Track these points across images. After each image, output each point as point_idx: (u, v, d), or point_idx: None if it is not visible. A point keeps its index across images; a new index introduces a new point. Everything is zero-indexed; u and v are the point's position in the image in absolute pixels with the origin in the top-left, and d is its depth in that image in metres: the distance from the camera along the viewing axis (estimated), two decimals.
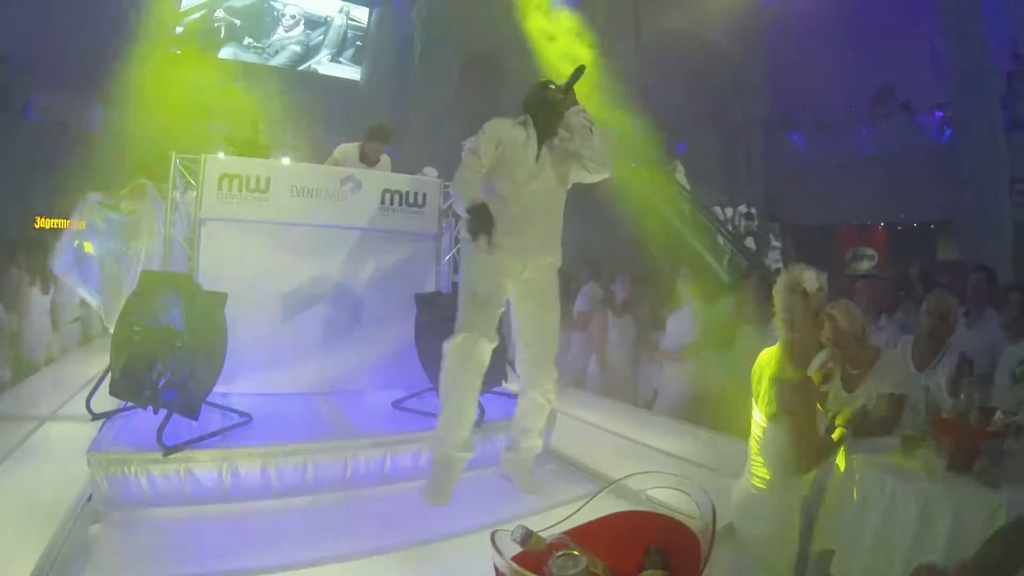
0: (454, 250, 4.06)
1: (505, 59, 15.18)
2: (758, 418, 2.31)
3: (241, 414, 3.03)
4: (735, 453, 3.04)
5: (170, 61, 15.25)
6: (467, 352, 2.58)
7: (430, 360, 2.99)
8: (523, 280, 2.75)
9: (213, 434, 2.78)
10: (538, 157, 2.77)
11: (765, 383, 2.26)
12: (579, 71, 2.80)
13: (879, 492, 2.12)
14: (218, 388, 3.05)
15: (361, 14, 17.68)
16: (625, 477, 1.86)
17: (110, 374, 2.99)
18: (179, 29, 15.66)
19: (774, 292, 2.29)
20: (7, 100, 12.45)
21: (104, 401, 3.11)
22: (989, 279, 4.15)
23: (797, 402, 2.17)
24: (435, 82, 14.41)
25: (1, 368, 5.20)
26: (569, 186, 2.89)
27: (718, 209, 11.67)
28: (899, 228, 13.87)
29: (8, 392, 4.50)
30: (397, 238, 3.98)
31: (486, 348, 2.64)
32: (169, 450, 2.54)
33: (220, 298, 2.94)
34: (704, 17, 14.06)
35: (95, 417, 3.05)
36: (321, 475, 2.74)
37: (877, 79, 14.33)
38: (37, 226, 12.05)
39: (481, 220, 2.52)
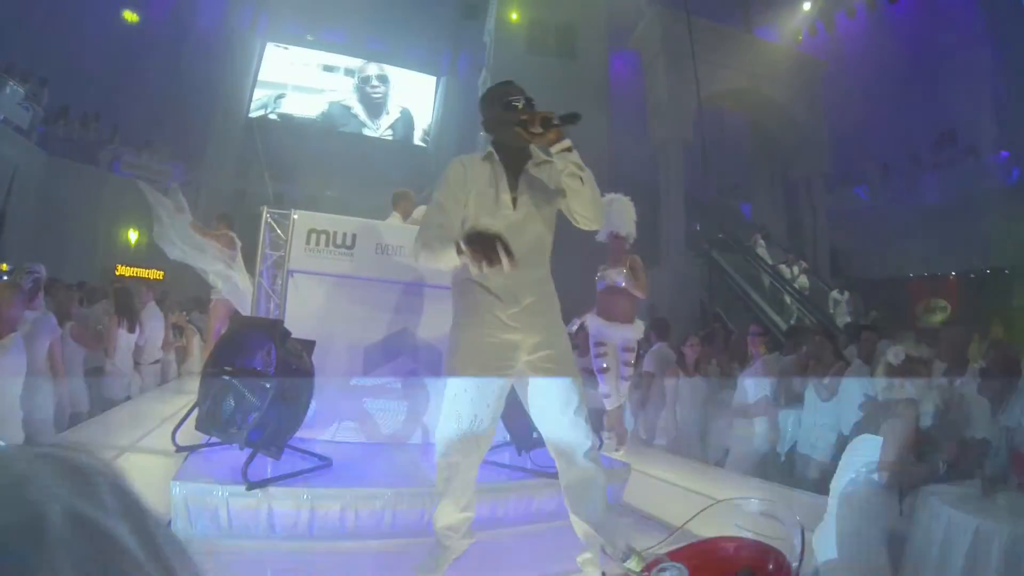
0: None
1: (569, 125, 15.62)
2: None
3: (322, 458, 3.12)
4: (810, 508, 2.96)
5: (248, 125, 16.64)
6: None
7: (506, 415, 3.03)
8: (524, 365, 2.23)
9: (295, 474, 2.87)
10: (515, 199, 2.25)
11: None
12: (574, 117, 2.07)
13: (963, 532, 2.09)
14: (300, 434, 3.16)
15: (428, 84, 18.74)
16: (719, 501, 1.87)
17: (197, 410, 3.15)
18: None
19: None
20: (96, 156, 13.44)
21: (187, 436, 3.24)
22: None
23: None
24: None
25: (80, 402, 5.42)
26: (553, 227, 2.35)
27: (784, 267, 11.47)
28: (972, 276, 13.23)
29: (87, 422, 4.58)
30: None
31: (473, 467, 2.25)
32: (252, 485, 2.63)
33: (308, 345, 3.09)
34: (760, 73, 14.24)
35: (179, 449, 3.17)
36: (399, 521, 2.78)
37: (938, 124, 14.07)
38: (118, 273, 12.98)
39: (478, 243, 1.90)
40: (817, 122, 14.80)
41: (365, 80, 18.49)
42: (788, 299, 11.28)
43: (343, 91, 18.18)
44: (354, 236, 3.78)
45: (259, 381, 2.90)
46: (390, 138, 18.51)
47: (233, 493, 2.61)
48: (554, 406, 2.20)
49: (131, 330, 6.14)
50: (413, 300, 3.92)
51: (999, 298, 12.25)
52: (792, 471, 4.43)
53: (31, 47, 12.10)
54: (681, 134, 13.48)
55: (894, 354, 2.47)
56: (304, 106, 17.85)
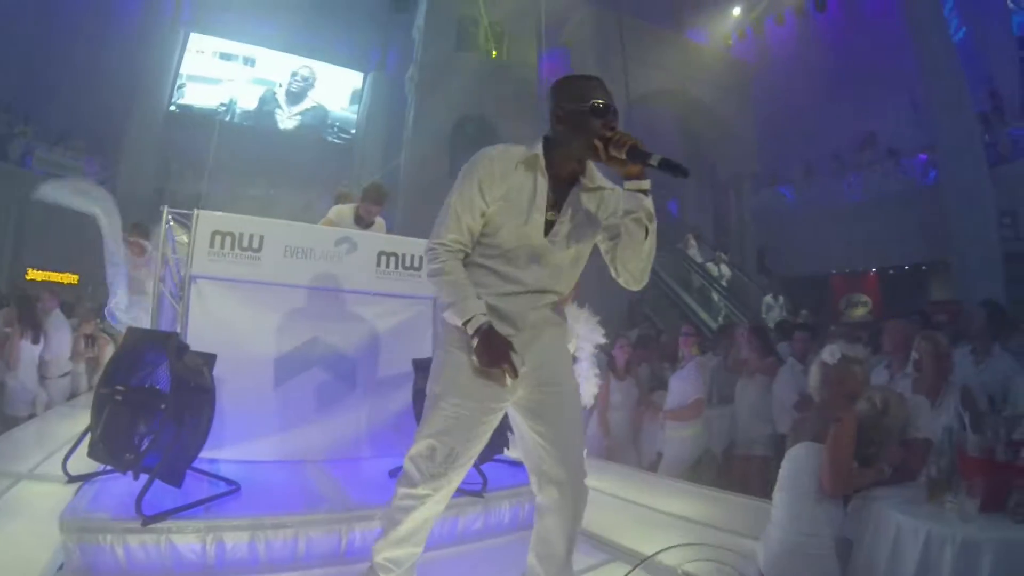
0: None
1: (497, 123, 15.61)
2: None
3: (228, 482, 2.86)
4: (749, 512, 2.92)
5: (167, 120, 15.71)
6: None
7: None
8: (522, 399, 1.95)
9: (197, 503, 2.60)
10: (551, 222, 1.86)
11: None
12: (678, 169, 1.62)
13: (912, 538, 2.06)
14: (205, 454, 2.88)
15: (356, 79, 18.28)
16: (660, 551, 1.74)
17: (89, 435, 2.83)
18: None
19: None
20: (6, 150, 12.46)
21: (82, 463, 2.92)
22: (993, 314, 4.14)
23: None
24: (428, 145, 14.62)
25: None
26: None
27: (711, 265, 11.72)
28: (891, 272, 13.98)
29: None
30: (393, 301, 3.83)
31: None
32: (149, 519, 2.36)
33: (209, 358, 2.81)
34: (690, 75, 14.54)
35: (71, 479, 2.86)
36: (313, 549, 2.56)
37: (861, 127, 14.81)
38: (28, 278, 12.05)
39: (487, 347, 1.77)
40: (745, 123, 15.29)
41: (294, 73, 17.93)
42: (716, 297, 11.53)
43: (241, 81, 17.36)
44: (261, 238, 3.48)
45: (153, 401, 2.62)
46: (295, 128, 17.86)
47: (128, 529, 2.34)
48: (561, 440, 1.93)
49: (35, 341, 5.68)
50: (326, 306, 3.66)
51: (918, 293, 13.02)
52: (729, 471, 4.45)
53: None
54: None
55: (829, 352, 2.42)
56: (203, 97, 16.84)
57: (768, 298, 9.97)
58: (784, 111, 15.69)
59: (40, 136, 13.22)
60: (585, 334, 3.77)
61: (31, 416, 5.59)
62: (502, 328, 1.83)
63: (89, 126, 14.03)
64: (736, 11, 16.55)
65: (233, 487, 2.83)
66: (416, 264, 3.89)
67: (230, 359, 3.10)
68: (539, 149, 1.84)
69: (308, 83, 18.01)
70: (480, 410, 1.87)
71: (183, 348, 2.67)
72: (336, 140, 18.28)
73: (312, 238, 3.66)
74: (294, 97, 17.90)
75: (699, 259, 12.49)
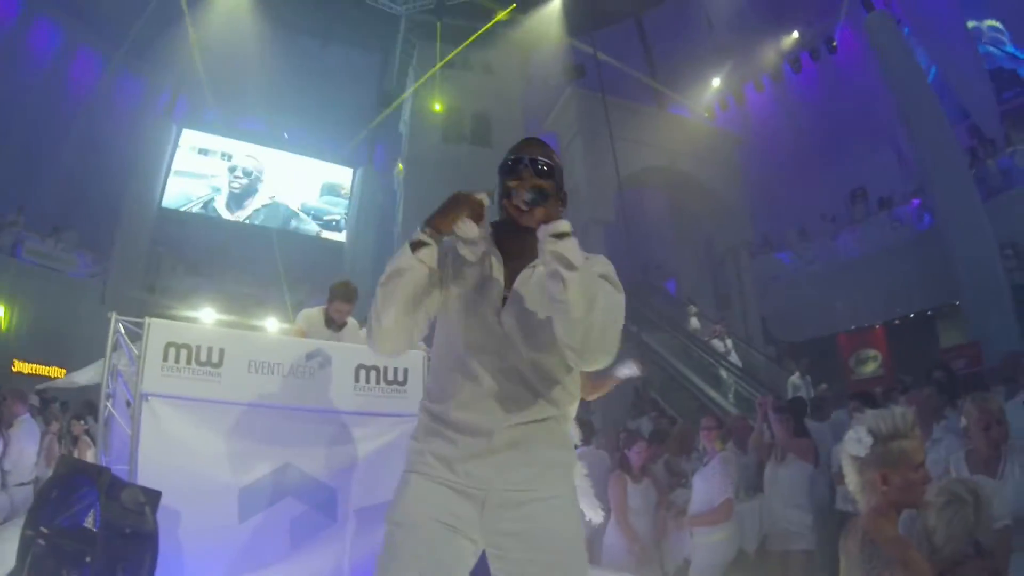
0: None
1: (488, 211, 15.67)
2: None
3: None
4: None
5: (159, 215, 15.73)
6: None
7: None
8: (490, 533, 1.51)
9: None
10: (504, 300, 1.56)
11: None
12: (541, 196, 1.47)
13: None
14: None
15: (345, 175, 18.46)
16: None
17: None
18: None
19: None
20: None
21: None
22: None
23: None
24: None
25: None
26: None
27: (717, 341, 11.37)
28: (897, 323, 13.62)
29: None
30: (375, 421, 3.41)
31: None
32: None
33: (151, 497, 2.38)
34: (677, 149, 14.62)
35: None
36: None
37: (849, 183, 14.89)
38: (15, 369, 11.61)
39: (439, 210, 1.55)
40: (736, 193, 15.18)
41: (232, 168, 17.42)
42: (725, 374, 11.08)
43: (220, 176, 17.13)
44: (222, 351, 3.11)
45: (81, 548, 2.19)
46: (247, 222, 17.41)
47: None
48: None
49: None
50: (298, 428, 3.23)
51: (928, 340, 12.62)
52: (766, 570, 3.91)
53: None
54: (602, 215, 13.46)
55: (856, 440, 1.76)
56: (186, 190, 16.74)
57: (794, 378, 9.02)
58: (773, 176, 15.76)
59: (32, 226, 13.05)
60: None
61: None
62: (459, 447, 1.50)
63: (81, 219, 13.99)
64: (715, 82, 16.94)
65: None
66: (401, 378, 3.51)
67: (187, 489, 2.72)
68: (491, 223, 1.61)
69: (254, 177, 17.52)
70: (434, 533, 1.45)
71: (119, 485, 2.25)
72: (335, 238, 18.05)
73: (280, 351, 3.31)
74: (237, 199, 17.28)
75: (702, 333, 12.14)
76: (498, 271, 1.57)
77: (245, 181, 17.34)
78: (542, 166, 1.54)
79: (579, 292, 1.35)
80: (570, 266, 1.36)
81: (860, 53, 13.95)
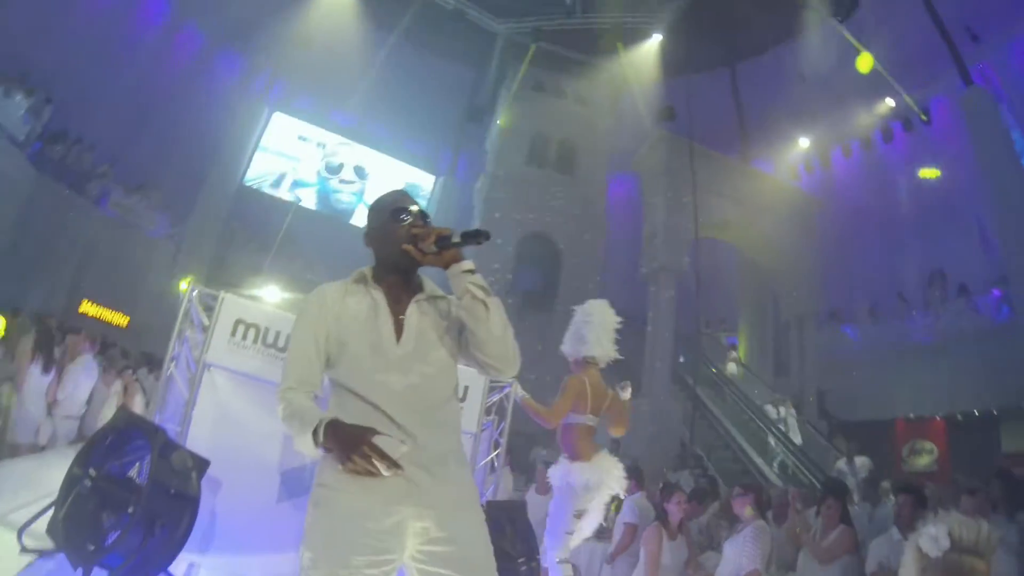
0: (494, 453, 3.62)
1: (560, 241, 15.71)
2: None
3: None
4: None
5: (239, 191, 16.50)
6: None
7: None
8: (410, 558, 1.62)
9: None
10: (400, 332, 1.74)
11: None
12: (479, 235, 1.71)
13: None
14: (184, 557, 2.50)
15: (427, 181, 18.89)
16: None
17: (54, 509, 2.51)
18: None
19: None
20: (86, 186, 13.03)
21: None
22: None
23: None
24: (492, 259, 14.63)
25: None
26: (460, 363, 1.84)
27: (770, 407, 10.98)
28: (959, 418, 12.81)
29: None
30: None
31: None
32: None
33: (199, 464, 2.47)
34: (756, 206, 14.22)
35: (24, 550, 2.53)
36: None
37: (928, 264, 14.11)
38: (81, 310, 12.30)
39: (343, 441, 1.55)
40: (810, 258, 14.57)
41: (336, 169, 18.30)
42: (773, 441, 10.68)
43: (313, 162, 17.97)
44: (288, 337, 3.23)
45: (124, 496, 2.30)
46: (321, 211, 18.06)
47: None
48: None
49: (46, 371, 5.56)
50: None
51: (988, 442, 11.80)
52: None
53: (47, 65, 11.83)
54: (675, 262, 13.09)
55: (931, 539, 1.69)
56: (269, 167, 17.54)
57: (841, 463, 8.37)
58: (850, 247, 15.18)
59: (119, 180, 13.69)
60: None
61: (33, 446, 5.46)
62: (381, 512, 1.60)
63: (166, 182, 14.69)
64: (803, 142, 16.45)
65: None
66: (460, 395, 3.57)
67: (232, 462, 2.80)
68: (365, 270, 1.85)
69: (362, 175, 18.40)
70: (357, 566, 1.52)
71: (171, 446, 2.36)
72: None
73: None
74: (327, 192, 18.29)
75: (738, 375, 11.74)
76: (384, 303, 1.78)
77: (352, 181, 18.21)
78: (428, 216, 1.87)
79: (497, 313, 1.70)
80: (488, 293, 1.70)
81: (954, 128, 13.28)
